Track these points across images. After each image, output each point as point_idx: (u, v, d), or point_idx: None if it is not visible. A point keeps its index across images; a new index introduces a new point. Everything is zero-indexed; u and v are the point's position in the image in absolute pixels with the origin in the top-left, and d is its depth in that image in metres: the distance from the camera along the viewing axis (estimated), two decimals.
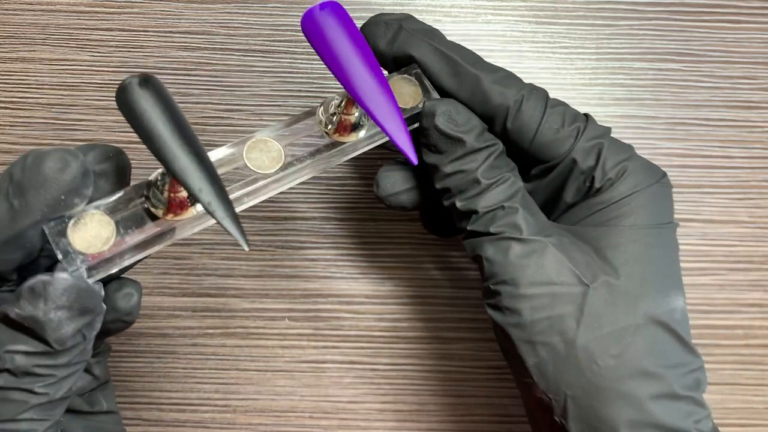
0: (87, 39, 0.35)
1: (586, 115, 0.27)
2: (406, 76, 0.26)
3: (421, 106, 0.26)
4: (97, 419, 0.26)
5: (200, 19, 0.35)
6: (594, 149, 0.25)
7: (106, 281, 0.22)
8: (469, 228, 0.25)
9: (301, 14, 0.35)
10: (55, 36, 0.35)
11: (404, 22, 0.27)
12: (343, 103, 0.25)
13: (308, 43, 0.23)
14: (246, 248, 0.19)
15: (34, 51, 0.35)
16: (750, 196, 0.34)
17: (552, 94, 0.35)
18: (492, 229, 0.25)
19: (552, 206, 0.27)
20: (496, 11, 0.35)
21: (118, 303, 0.23)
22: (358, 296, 0.34)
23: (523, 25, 0.35)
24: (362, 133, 0.26)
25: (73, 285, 0.20)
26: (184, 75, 0.35)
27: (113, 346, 0.34)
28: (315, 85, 0.35)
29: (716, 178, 0.34)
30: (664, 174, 0.26)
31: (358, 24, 0.24)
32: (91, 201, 0.21)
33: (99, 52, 0.35)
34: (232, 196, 0.23)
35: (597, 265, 0.24)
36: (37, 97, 0.34)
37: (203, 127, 0.34)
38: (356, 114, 0.25)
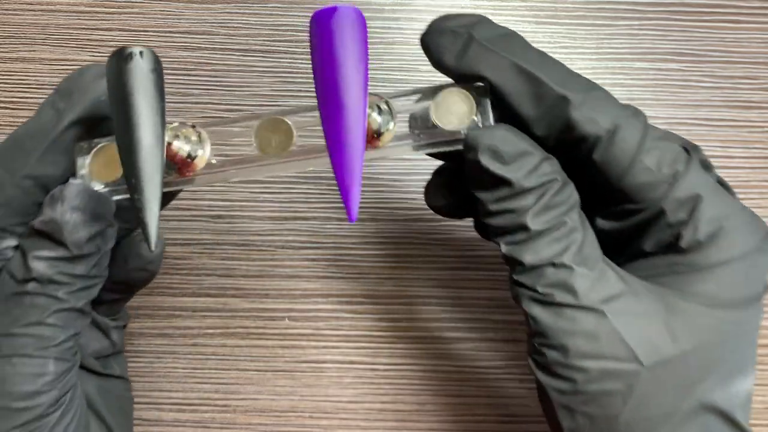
0: (87, 39, 0.35)
1: (689, 152, 0.22)
2: (462, 90, 0.22)
3: (464, 132, 0.22)
4: (110, 381, 0.28)
5: (200, 19, 0.35)
6: (689, 202, 0.21)
7: (131, 231, 0.25)
8: (514, 277, 0.22)
9: (301, 14, 0.35)
10: (55, 36, 0.35)
11: (475, 30, 0.22)
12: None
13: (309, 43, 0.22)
14: (151, 248, 0.20)
15: (34, 51, 0.35)
16: (750, 196, 0.34)
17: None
18: (539, 289, 0.21)
19: (624, 249, 0.24)
20: (495, 11, 0.35)
21: (143, 251, 0.25)
22: (358, 296, 0.34)
23: (523, 26, 0.35)
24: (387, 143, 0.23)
25: (84, 189, 0.22)
26: (184, 75, 0.35)
27: None
28: None
29: None
30: (766, 234, 0.22)
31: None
32: None
33: (99, 52, 0.34)
34: (231, 169, 0.23)
35: (659, 338, 0.21)
36: (37, 98, 0.34)
37: None
38: (378, 121, 0.22)
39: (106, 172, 0.23)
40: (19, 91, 0.34)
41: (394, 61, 0.35)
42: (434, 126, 0.22)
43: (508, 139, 0.21)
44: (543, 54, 0.22)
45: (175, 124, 0.22)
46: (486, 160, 0.21)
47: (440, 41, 0.22)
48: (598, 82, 0.34)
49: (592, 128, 0.21)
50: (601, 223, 0.23)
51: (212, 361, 0.34)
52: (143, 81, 0.20)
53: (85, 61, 0.34)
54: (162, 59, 0.35)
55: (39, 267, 0.22)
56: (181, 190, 0.25)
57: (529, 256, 0.21)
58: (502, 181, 0.21)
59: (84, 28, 0.35)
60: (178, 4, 0.35)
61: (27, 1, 0.35)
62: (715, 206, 0.22)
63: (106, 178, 0.23)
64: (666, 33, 0.35)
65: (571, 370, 0.21)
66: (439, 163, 0.27)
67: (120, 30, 0.35)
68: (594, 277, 0.21)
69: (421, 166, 0.34)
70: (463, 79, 0.22)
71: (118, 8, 0.35)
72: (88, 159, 0.23)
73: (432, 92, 0.22)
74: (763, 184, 0.34)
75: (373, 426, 0.34)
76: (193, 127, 0.23)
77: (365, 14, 0.35)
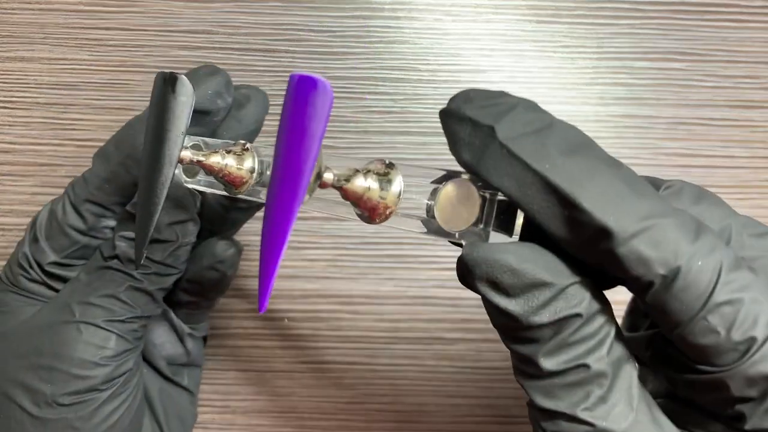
0: (86, 38, 0.35)
1: None
2: (474, 189, 0.17)
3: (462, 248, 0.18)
4: (175, 389, 0.29)
5: (200, 18, 0.35)
6: (762, 383, 0.16)
7: (213, 234, 0.27)
8: (528, 405, 0.18)
9: (302, 14, 0.35)
10: (54, 35, 0.34)
11: (501, 125, 0.17)
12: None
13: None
14: (135, 267, 0.22)
15: (32, 50, 0.34)
16: (752, 196, 0.34)
17: (553, 94, 0.34)
18: None
19: (677, 406, 0.19)
20: (497, 10, 0.35)
21: (217, 249, 0.27)
22: (358, 296, 0.34)
23: (524, 24, 0.35)
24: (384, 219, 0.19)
25: (174, 179, 0.21)
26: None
27: None
28: None
29: (718, 177, 0.34)
30: None
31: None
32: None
33: (98, 52, 0.34)
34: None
35: None
36: (35, 97, 0.34)
37: None
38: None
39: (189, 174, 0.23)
40: (18, 91, 0.34)
41: (394, 60, 0.35)
42: (432, 217, 0.18)
43: (512, 267, 0.17)
44: (596, 158, 0.17)
45: (234, 144, 0.22)
46: (485, 290, 0.17)
47: (457, 130, 0.18)
48: (599, 81, 0.35)
49: (642, 271, 0.16)
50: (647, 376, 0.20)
51: (212, 361, 0.34)
52: (174, 108, 0.20)
53: (84, 60, 0.34)
54: (162, 58, 0.35)
55: (122, 245, 0.24)
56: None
57: (541, 399, 0.17)
58: (504, 314, 0.17)
59: (83, 27, 0.35)
60: (178, 3, 0.35)
61: (26, 1, 0.35)
62: None
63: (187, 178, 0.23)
64: (668, 32, 0.35)
65: None
66: None
67: (119, 29, 0.34)
68: None
69: None
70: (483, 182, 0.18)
71: (118, 7, 0.35)
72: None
73: (445, 178, 0.18)
74: (765, 184, 0.34)
75: (372, 427, 0.33)
76: (247, 149, 0.22)
77: (366, 13, 0.35)
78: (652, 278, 0.16)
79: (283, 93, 0.36)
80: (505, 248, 0.17)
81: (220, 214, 0.27)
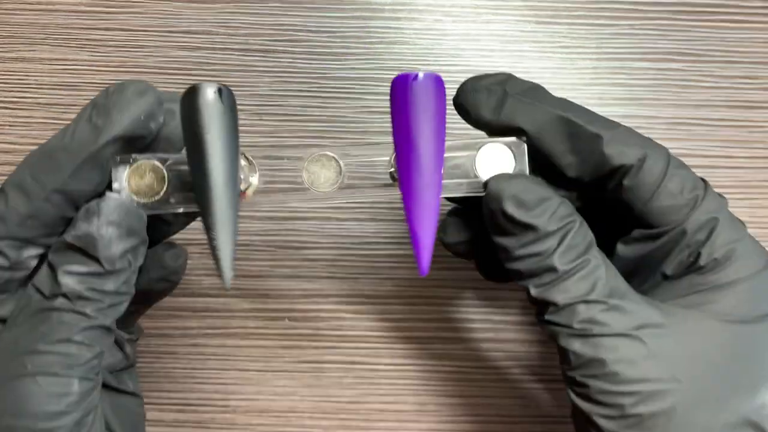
0: (87, 39, 0.35)
1: (705, 182, 0.24)
2: (502, 143, 0.24)
3: (487, 182, 0.23)
4: (124, 398, 0.27)
5: (200, 18, 0.35)
6: (708, 224, 0.23)
7: (154, 244, 0.25)
8: (547, 318, 0.23)
9: (301, 14, 0.35)
10: (55, 36, 0.35)
11: (508, 86, 0.24)
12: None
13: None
14: (226, 285, 0.21)
15: (33, 51, 0.34)
16: (751, 196, 0.34)
17: (553, 94, 0.35)
18: (575, 325, 0.22)
19: (646, 275, 0.25)
20: (496, 11, 0.35)
21: (167, 260, 0.26)
22: (358, 296, 0.34)
23: (524, 25, 0.35)
24: None
25: (122, 203, 0.22)
26: (184, 75, 0.34)
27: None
28: (314, 85, 0.35)
29: (717, 178, 0.34)
30: None
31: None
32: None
33: (99, 52, 0.34)
34: (277, 197, 0.24)
35: (691, 356, 0.22)
36: (36, 97, 0.34)
37: None
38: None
39: (144, 189, 0.23)
40: (18, 91, 0.34)
41: (394, 61, 0.35)
42: (475, 175, 0.24)
43: (528, 186, 0.23)
44: (567, 101, 0.24)
45: None
46: (511, 208, 0.22)
47: (476, 98, 0.24)
48: (598, 81, 0.35)
49: (624, 159, 0.23)
50: (622, 250, 0.25)
51: (212, 361, 0.34)
52: (219, 119, 0.20)
53: (84, 60, 0.34)
54: (162, 59, 0.35)
55: (69, 282, 0.21)
56: None
57: (560, 296, 0.22)
58: (526, 227, 0.22)
59: (84, 28, 0.35)
60: (178, 4, 0.35)
61: (27, 1, 0.35)
62: (729, 230, 0.23)
63: (143, 195, 0.23)
64: (667, 33, 0.35)
65: (617, 396, 0.22)
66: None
67: (120, 30, 0.35)
68: (625, 307, 0.22)
69: None
70: (500, 132, 0.24)
71: (118, 8, 0.35)
72: (125, 174, 0.23)
73: (473, 146, 0.24)
74: (765, 184, 0.34)
75: (373, 426, 0.34)
76: (244, 155, 0.23)
77: (365, 14, 0.35)
78: (632, 162, 0.23)
79: (283, 93, 0.37)
80: (518, 177, 0.23)
81: (164, 227, 0.26)
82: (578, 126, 0.23)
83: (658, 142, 0.31)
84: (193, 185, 0.21)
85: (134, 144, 0.23)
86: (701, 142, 0.34)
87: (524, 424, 0.34)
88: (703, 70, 0.35)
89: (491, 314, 0.34)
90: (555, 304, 0.23)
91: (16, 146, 0.34)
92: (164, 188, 0.23)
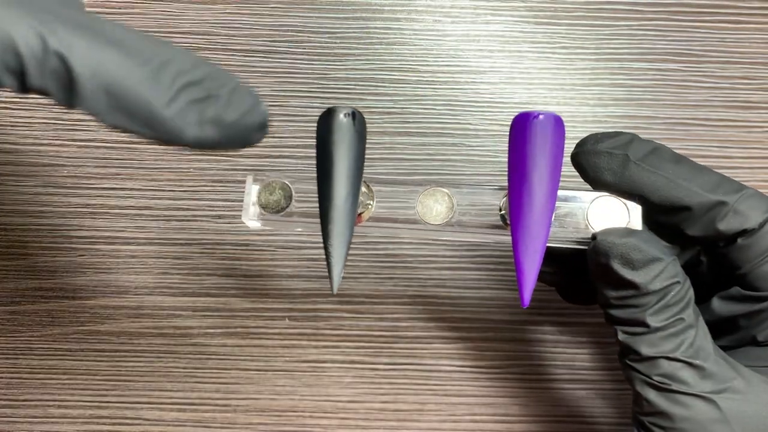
0: None
1: None
2: (619, 199, 0.24)
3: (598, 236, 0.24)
4: None
5: (201, 19, 0.35)
6: None
7: None
8: (628, 362, 0.24)
9: (302, 14, 0.35)
10: None
11: (630, 151, 0.24)
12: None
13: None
14: (334, 291, 0.22)
15: None
16: None
17: (552, 95, 0.35)
18: (654, 377, 0.23)
19: (737, 333, 0.25)
20: (495, 11, 0.35)
21: None
22: (358, 296, 0.34)
23: (523, 26, 0.35)
24: None
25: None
26: None
27: (113, 347, 0.34)
28: (315, 86, 0.35)
29: None
30: None
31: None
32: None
33: None
34: (389, 224, 0.26)
35: (761, 429, 0.23)
36: (37, 98, 0.34)
37: None
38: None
39: (272, 204, 0.25)
40: None
41: (394, 61, 0.35)
42: (585, 227, 0.24)
43: (638, 246, 0.23)
44: (692, 163, 0.24)
45: None
46: (617, 266, 0.23)
47: (597, 161, 0.24)
48: (597, 82, 0.35)
49: (747, 224, 0.23)
50: (717, 305, 0.25)
51: (213, 360, 0.34)
52: (350, 141, 0.22)
53: None
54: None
55: None
56: None
57: (646, 348, 0.23)
58: (629, 284, 0.23)
59: None
60: (179, 5, 0.35)
61: None
62: None
63: (270, 209, 0.25)
64: (665, 33, 0.35)
65: None
66: None
67: None
68: (707, 369, 0.23)
69: (418, 167, 0.34)
70: (619, 193, 0.24)
71: (119, 9, 0.35)
72: (256, 190, 0.25)
73: (588, 197, 0.25)
74: (763, 184, 0.34)
75: (373, 425, 0.34)
76: (364, 182, 0.25)
77: (365, 14, 0.35)
78: (753, 225, 0.23)
79: (283, 94, 0.37)
80: (630, 233, 0.23)
81: None
82: (701, 195, 0.23)
83: (657, 142, 0.31)
84: (319, 198, 0.22)
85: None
86: (700, 142, 0.35)
87: (524, 423, 0.34)
88: (702, 70, 0.35)
89: (491, 314, 0.34)
90: (638, 353, 0.23)
91: (18, 146, 0.34)
92: (290, 204, 0.25)
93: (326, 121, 0.22)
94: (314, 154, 0.35)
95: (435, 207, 0.25)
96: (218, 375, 0.34)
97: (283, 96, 0.35)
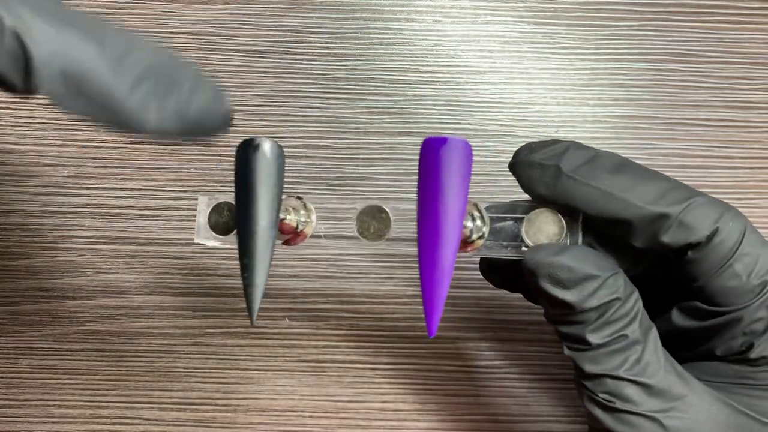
0: None
1: None
2: (555, 212, 0.23)
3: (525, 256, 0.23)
4: None
5: (201, 19, 0.35)
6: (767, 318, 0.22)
7: None
8: (576, 378, 0.23)
9: (301, 15, 0.35)
10: None
11: (563, 162, 0.22)
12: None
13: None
14: (252, 323, 0.21)
15: None
16: (749, 196, 0.34)
17: (552, 95, 0.35)
18: (600, 395, 0.22)
19: (698, 345, 0.24)
20: (495, 12, 0.35)
21: None
22: (358, 296, 0.34)
23: (522, 26, 0.35)
24: (473, 250, 0.24)
25: None
26: None
27: (113, 347, 0.34)
28: (315, 86, 0.35)
29: (715, 178, 0.34)
30: None
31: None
32: None
33: None
34: (327, 241, 0.25)
35: None
36: (38, 98, 0.34)
37: None
38: (468, 227, 0.23)
39: (221, 225, 0.25)
40: None
41: (394, 61, 0.35)
42: (521, 240, 0.23)
43: (569, 265, 0.21)
44: (636, 171, 0.23)
45: (284, 198, 0.24)
46: (547, 286, 0.22)
47: (530, 174, 0.23)
48: (597, 82, 0.35)
49: (692, 237, 0.22)
50: (676, 316, 0.24)
51: (213, 360, 0.34)
52: (267, 171, 0.21)
53: None
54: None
55: None
56: None
57: (589, 365, 0.22)
58: (561, 303, 0.22)
59: None
60: (179, 5, 0.35)
61: None
62: None
63: (220, 231, 0.25)
64: (665, 33, 0.35)
65: None
66: None
67: None
68: (654, 386, 0.22)
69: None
70: (556, 205, 0.23)
71: (119, 9, 0.35)
72: (207, 210, 0.25)
73: (524, 208, 0.24)
74: (762, 184, 0.34)
75: (373, 425, 0.34)
76: (299, 198, 0.25)
77: (365, 14, 0.35)
78: (700, 240, 0.22)
79: (283, 94, 0.37)
80: (561, 250, 0.22)
81: None
82: (640, 208, 0.22)
83: (656, 142, 0.31)
84: (237, 229, 0.21)
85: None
86: (699, 142, 0.35)
87: (524, 423, 0.34)
88: (702, 70, 0.35)
89: (491, 314, 0.34)
90: (582, 370, 0.22)
91: (18, 146, 0.34)
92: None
93: (244, 152, 0.21)
94: (315, 155, 0.36)
95: (373, 224, 0.24)
96: (218, 375, 0.34)
97: (283, 96, 0.35)
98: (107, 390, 0.34)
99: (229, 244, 0.25)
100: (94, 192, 0.34)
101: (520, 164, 0.23)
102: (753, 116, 0.35)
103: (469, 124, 0.35)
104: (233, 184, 0.21)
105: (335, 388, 0.34)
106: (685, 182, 0.34)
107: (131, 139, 0.34)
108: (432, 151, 0.20)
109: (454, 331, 0.34)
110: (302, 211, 0.25)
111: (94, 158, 0.34)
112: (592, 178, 0.22)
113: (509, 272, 0.26)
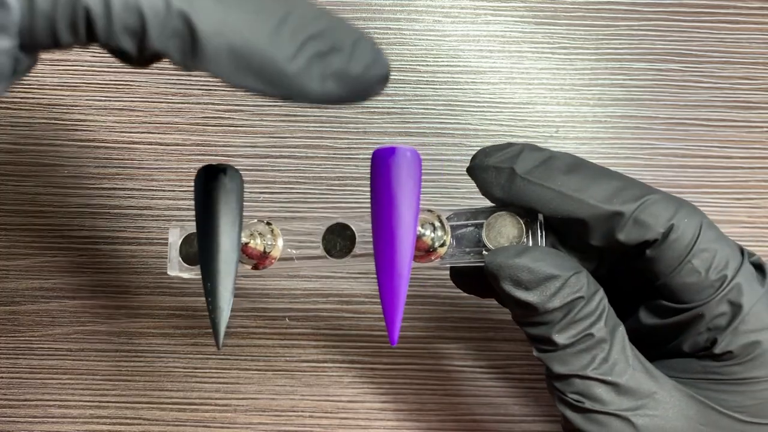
0: None
1: (743, 256, 0.23)
2: (514, 214, 0.23)
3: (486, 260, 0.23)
4: None
5: None
6: (729, 311, 0.22)
7: None
8: (546, 378, 0.23)
9: None
10: None
11: (517, 164, 0.23)
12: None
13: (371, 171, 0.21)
14: (218, 348, 0.21)
15: None
16: (749, 196, 0.34)
17: (552, 95, 0.35)
18: (569, 395, 0.22)
19: (665, 342, 0.24)
20: (495, 12, 0.35)
21: None
22: (358, 296, 0.34)
23: (523, 26, 0.35)
24: (437, 259, 0.24)
25: None
26: (185, 75, 0.35)
27: (113, 347, 0.34)
28: None
29: (715, 178, 0.34)
30: None
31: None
32: None
33: (100, 53, 0.35)
34: (294, 263, 0.26)
35: None
36: (38, 98, 0.34)
37: (203, 127, 0.34)
38: (429, 236, 0.23)
39: (192, 257, 0.25)
40: (20, 92, 0.34)
41: (394, 61, 0.35)
42: (483, 245, 0.23)
43: (529, 266, 0.22)
44: (590, 171, 0.23)
45: (252, 221, 0.25)
46: (509, 288, 0.22)
47: (485, 177, 0.23)
48: (597, 82, 0.35)
49: (647, 234, 0.22)
50: (643, 315, 0.24)
51: (213, 360, 0.34)
52: (226, 197, 0.21)
53: (86, 61, 0.35)
54: (162, 59, 0.35)
55: None
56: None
57: (557, 366, 0.22)
58: (524, 304, 0.22)
59: None
60: None
61: None
62: (756, 320, 0.22)
63: (191, 262, 0.25)
64: (665, 33, 0.35)
65: None
66: None
67: None
68: (622, 385, 0.22)
69: None
70: (516, 207, 0.23)
71: None
72: (179, 242, 0.25)
73: (486, 213, 0.24)
74: (762, 184, 0.34)
75: (373, 425, 0.34)
76: (268, 224, 0.25)
77: (365, 14, 0.35)
78: (656, 237, 0.22)
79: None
80: (520, 252, 0.22)
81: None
82: (594, 207, 0.22)
83: (657, 142, 0.31)
84: (199, 253, 0.21)
85: None
86: (699, 142, 0.35)
87: (524, 423, 0.34)
88: (702, 70, 0.35)
89: (491, 314, 0.34)
90: (551, 371, 0.22)
91: (18, 146, 0.34)
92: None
93: (203, 180, 0.21)
94: (315, 155, 0.35)
95: (338, 241, 0.25)
96: (218, 375, 0.34)
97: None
98: (107, 390, 0.34)
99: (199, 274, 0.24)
100: (93, 192, 0.34)
101: (476, 168, 0.23)
102: (753, 116, 0.35)
103: (469, 124, 0.35)
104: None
105: (335, 389, 0.34)
106: (685, 182, 0.34)
107: (130, 139, 0.34)
108: (382, 161, 0.20)
109: (455, 332, 0.34)
110: (269, 236, 0.25)
111: (94, 158, 0.34)
112: (545, 179, 0.22)
113: (477, 278, 0.26)
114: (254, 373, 0.34)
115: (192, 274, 0.25)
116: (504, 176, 0.23)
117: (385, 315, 0.21)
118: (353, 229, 0.24)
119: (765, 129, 0.35)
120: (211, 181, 0.21)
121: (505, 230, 0.23)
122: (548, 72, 0.35)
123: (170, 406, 0.34)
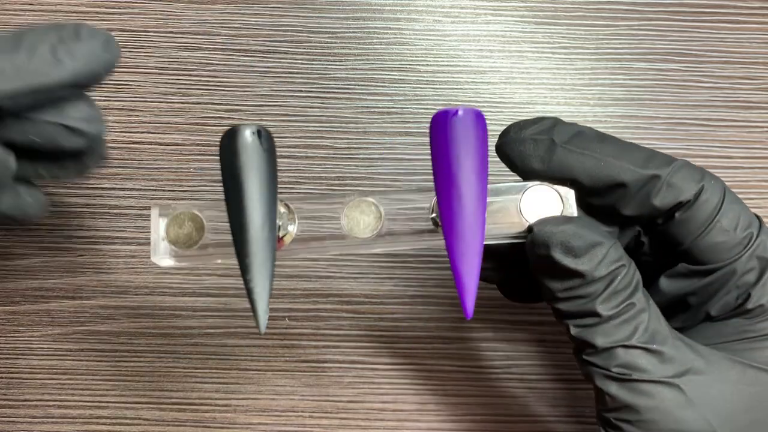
0: None
1: (759, 220, 0.24)
2: (548, 186, 0.23)
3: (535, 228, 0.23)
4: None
5: (201, 19, 0.35)
6: (760, 265, 0.23)
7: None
8: (585, 357, 0.23)
9: (301, 14, 0.35)
10: None
11: (555, 135, 0.23)
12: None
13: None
14: (261, 330, 0.20)
15: None
16: (750, 196, 0.34)
17: (552, 95, 0.35)
18: (613, 369, 0.22)
19: (690, 312, 0.25)
20: (495, 11, 0.35)
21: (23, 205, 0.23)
22: (358, 296, 0.34)
23: (523, 26, 0.35)
24: None
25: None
26: (185, 75, 0.35)
27: (113, 347, 0.34)
28: (315, 86, 0.35)
29: None
30: None
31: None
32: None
33: None
34: (315, 244, 0.24)
35: (732, 407, 0.22)
36: None
37: (203, 127, 0.34)
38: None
39: (182, 238, 0.23)
40: None
41: (394, 61, 0.35)
42: (519, 221, 0.23)
43: (577, 232, 0.22)
44: (618, 141, 0.23)
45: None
46: (559, 255, 0.22)
47: (522, 150, 0.23)
48: (597, 82, 0.35)
49: (681, 196, 0.22)
50: (665, 284, 0.24)
51: (213, 360, 0.34)
52: (258, 162, 0.20)
53: None
54: (163, 59, 0.35)
55: None
56: None
57: (601, 339, 0.22)
58: (574, 273, 0.22)
59: None
60: (179, 5, 0.35)
61: (28, 2, 0.35)
62: None
63: (181, 245, 0.23)
64: (665, 33, 0.35)
65: None
66: None
67: (120, 30, 0.35)
68: (665, 353, 0.22)
69: (418, 167, 0.34)
70: (550, 179, 0.23)
71: (119, 9, 0.35)
72: (163, 224, 0.22)
73: (518, 189, 0.23)
74: (763, 184, 0.34)
75: (373, 425, 0.34)
76: (284, 203, 0.23)
77: (365, 14, 0.35)
78: (688, 198, 0.22)
79: (283, 94, 0.37)
80: (567, 220, 0.22)
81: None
82: (634, 171, 0.22)
83: (657, 142, 0.32)
84: (230, 227, 0.20)
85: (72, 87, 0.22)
86: (700, 142, 0.35)
87: (524, 423, 0.34)
88: (702, 70, 0.35)
89: (491, 314, 0.34)
90: (594, 346, 0.22)
91: None
92: (203, 237, 0.22)
93: (229, 143, 0.20)
94: (315, 155, 0.35)
95: (362, 219, 0.23)
96: (218, 375, 0.34)
97: (283, 96, 0.35)
98: (107, 390, 0.34)
99: (192, 261, 0.23)
100: (93, 192, 0.34)
101: (512, 142, 0.24)
102: (754, 116, 0.35)
103: None
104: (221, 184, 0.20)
105: (335, 388, 0.34)
106: None
107: (130, 139, 0.34)
108: (443, 123, 0.20)
109: (454, 331, 0.34)
110: (284, 212, 0.23)
111: None
112: (585, 148, 0.23)
113: (525, 281, 0.26)
114: (254, 373, 0.34)
115: (178, 261, 0.23)
116: (543, 147, 0.23)
117: (458, 288, 0.21)
118: (379, 207, 0.23)
119: (765, 129, 0.35)
120: (240, 146, 0.20)
121: (544, 203, 0.23)
122: (548, 72, 0.35)
123: (170, 406, 0.34)
